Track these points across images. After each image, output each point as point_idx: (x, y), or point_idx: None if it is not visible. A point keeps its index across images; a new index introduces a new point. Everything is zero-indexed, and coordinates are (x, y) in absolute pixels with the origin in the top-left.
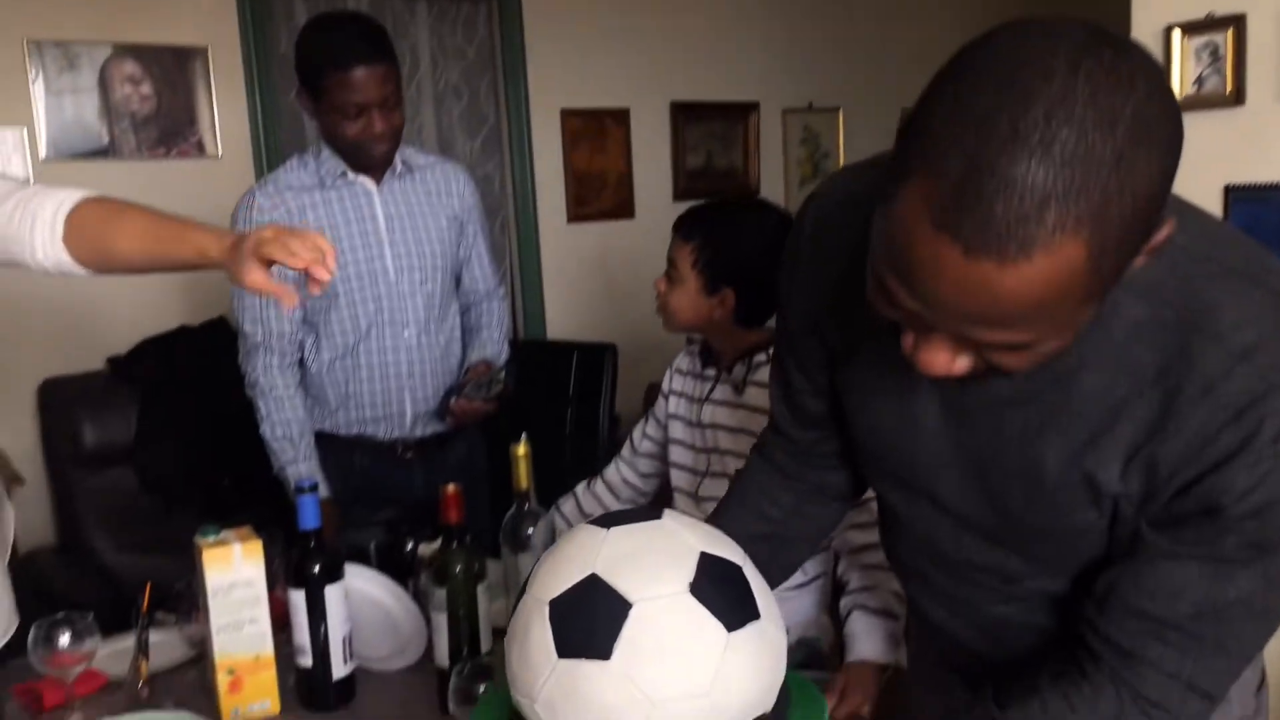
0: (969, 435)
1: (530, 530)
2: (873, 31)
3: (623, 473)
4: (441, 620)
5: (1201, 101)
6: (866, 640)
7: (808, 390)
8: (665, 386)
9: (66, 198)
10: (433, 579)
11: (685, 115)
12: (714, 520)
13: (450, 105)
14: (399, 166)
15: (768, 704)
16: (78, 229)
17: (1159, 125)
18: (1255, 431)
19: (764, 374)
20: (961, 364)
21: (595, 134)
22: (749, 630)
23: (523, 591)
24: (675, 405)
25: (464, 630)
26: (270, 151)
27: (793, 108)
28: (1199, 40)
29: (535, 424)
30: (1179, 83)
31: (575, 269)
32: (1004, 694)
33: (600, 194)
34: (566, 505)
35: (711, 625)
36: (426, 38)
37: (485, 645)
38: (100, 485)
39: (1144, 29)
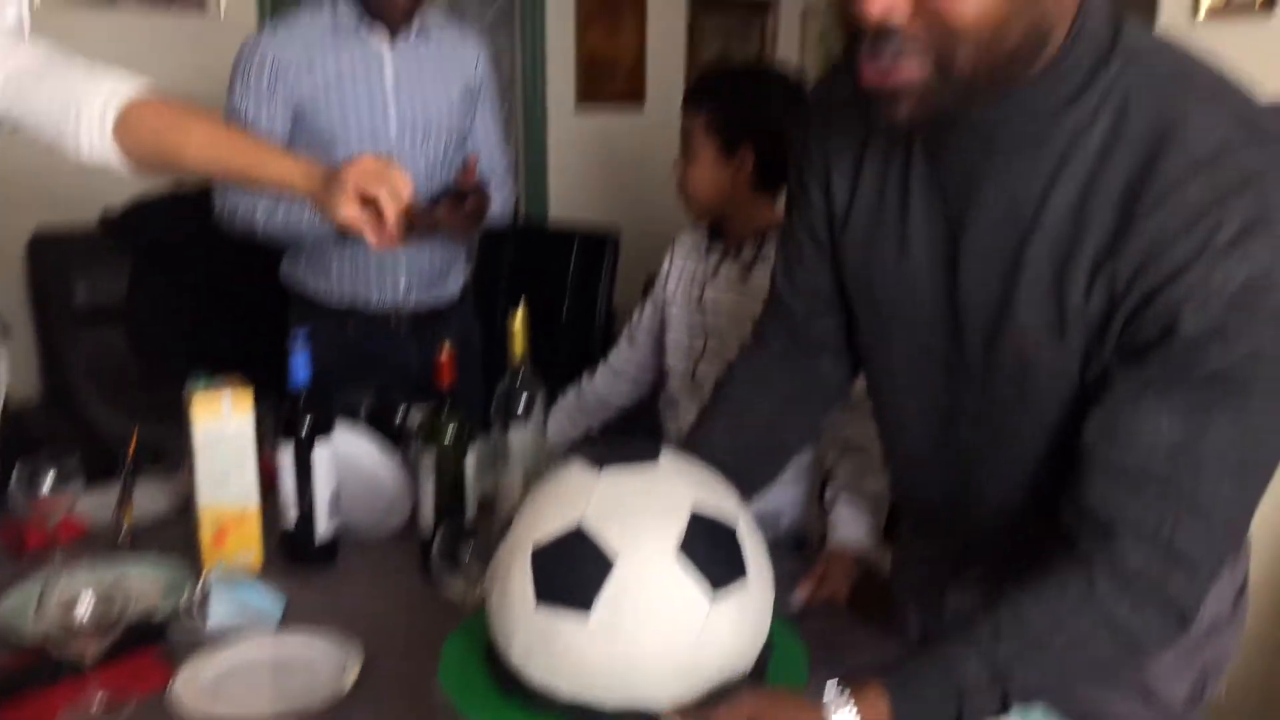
0: (956, 287)
1: (524, 402)
2: None
3: (623, 357)
4: (429, 486)
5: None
6: (848, 527)
7: (812, 253)
8: (665, 265)
9: (115, 91)
10: (422, 441)
11: (704, 5)
12: (695, 432)
13: None
14: (415, 29)
15: (749, 661)
16: (133, 130)
17: None
18: (1210, 237)
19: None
20: (900, 7)
21: (610, 16)
22: (735, 592)
23: (507, 527)
24: (675, 285)
25: (450, 496)
26: (276, 16)
27: (813, 7)
28: None
29: (532, 313)
30: None
31: (581, 156)
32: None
33: (611, 79)
34: (568, 395)
35: (696, 588)
36: None
37: (470, 513)
38: (91, 344)
39: None
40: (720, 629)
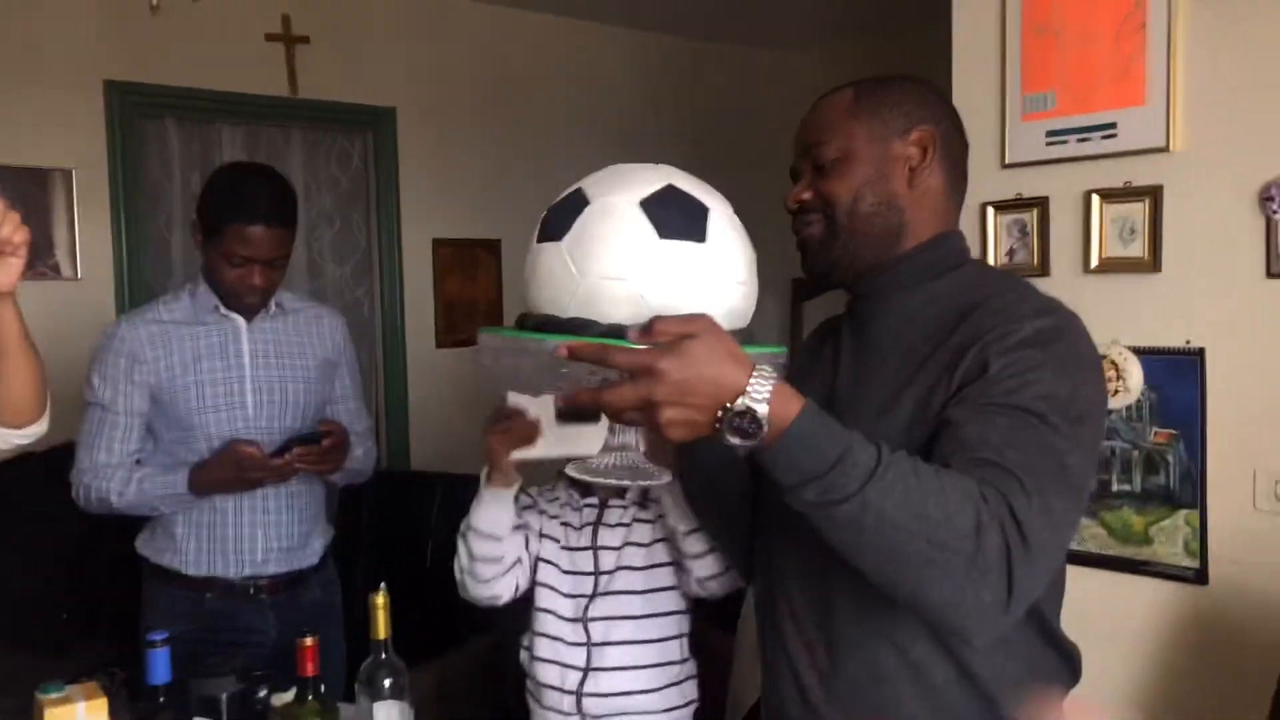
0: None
1: (388, 680)
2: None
3: None
4: None
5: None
6: None
7: None
8: (536, 527)
9: None
10: None
11: None
12: None
13: (322, 231)
14: (273, 308)
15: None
16: None
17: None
18: (1014, 311)
19: None
20: (804, 192)
21: (467, 263)
22: (683, 244)
23: None
24: (548, 548)
25: None
26: (132, 275)
27: None
28: (1008, 217)
29: (396, 558)
30: (993, 255)
31: (443, 395)
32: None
33: (470, 321)
34: None
35: (645, 229)
36: (300, 167)
37: None
38: None
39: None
40: (664, 269)
